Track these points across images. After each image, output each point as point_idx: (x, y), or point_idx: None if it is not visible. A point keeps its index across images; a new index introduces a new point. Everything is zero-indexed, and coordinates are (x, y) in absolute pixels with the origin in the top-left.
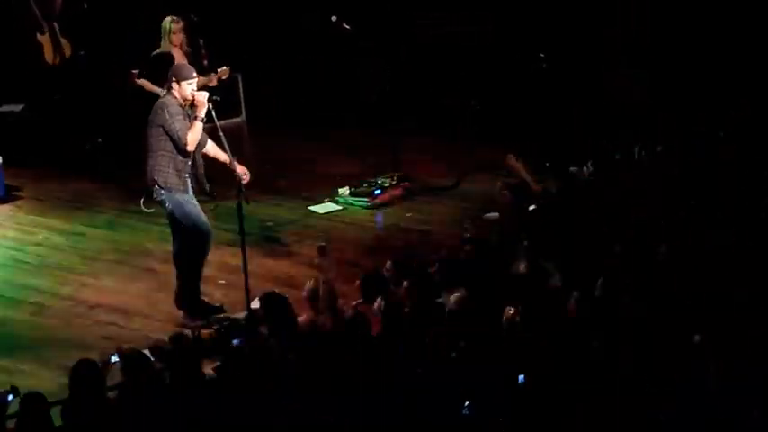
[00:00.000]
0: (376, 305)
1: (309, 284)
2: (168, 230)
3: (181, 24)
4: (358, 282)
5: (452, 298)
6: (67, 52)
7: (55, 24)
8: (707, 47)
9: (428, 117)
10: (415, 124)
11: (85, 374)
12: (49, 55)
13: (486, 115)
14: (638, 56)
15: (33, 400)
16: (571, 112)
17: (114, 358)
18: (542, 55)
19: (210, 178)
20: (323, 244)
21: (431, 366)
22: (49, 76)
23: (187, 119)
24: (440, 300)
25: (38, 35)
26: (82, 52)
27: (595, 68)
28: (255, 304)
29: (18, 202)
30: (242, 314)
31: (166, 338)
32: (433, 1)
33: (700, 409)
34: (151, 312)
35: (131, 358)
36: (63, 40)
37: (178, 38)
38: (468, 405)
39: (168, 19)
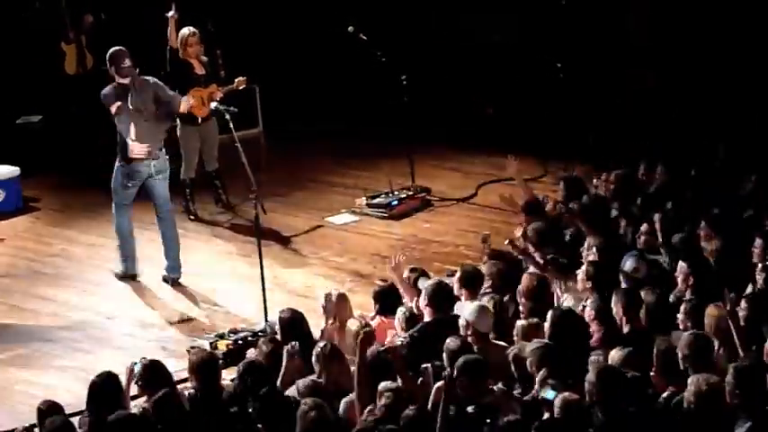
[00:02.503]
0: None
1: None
2: (186, 240)
3: (197, 36)
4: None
5: (468, 308)
6: (90, 65)
7: (82, 37)
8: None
9: (445, 127)
10: (433, 134)
11: (106, 386)
12: (71, 65)
13: (504, 124)
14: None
15: (51, 411)
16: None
17: (137, 368)
18: (559, 65)
19: (227, 189)
20: (342, 291)
21: None
22: (68, 86)
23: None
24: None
25: (63, 43)
26: (104, 67)
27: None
28: (274, 318)
29: (36, 213)
30: (260, 326)
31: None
32: (452, 10)
33: None
34: (168, 324)
35: (152, 369)
36: (88, 54)
37: (194, 50)
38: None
39: (184, 30)
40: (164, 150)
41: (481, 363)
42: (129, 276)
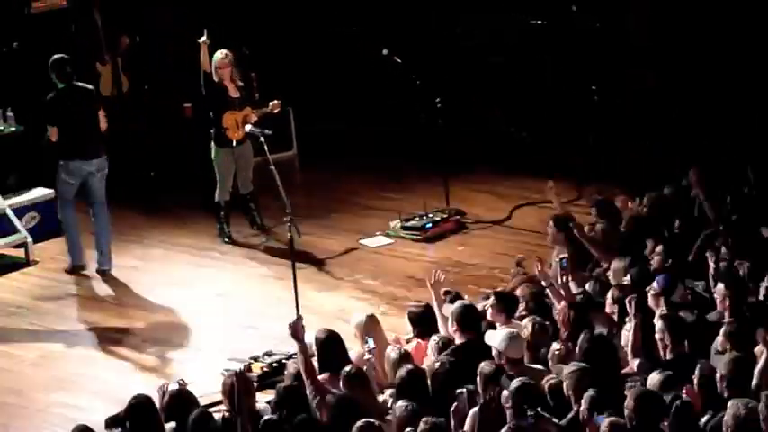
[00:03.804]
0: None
1: (360, 318)
2: (221, 262)
3: (228, 58)
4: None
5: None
6: (125, 87)
7: (118, 59)
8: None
9: (480, 150)
10: (467, 157)
11: (141, 408)
12: (106, 86)
13: (538, 147)
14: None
15: None
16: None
17: (173, 387)
18: (594, 87)
19: (262, 212)
20: (372, 313)
21: None
22: (104, 108)
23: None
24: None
25: (98, 64)
26: (146, 86)
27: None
28: (310, 338)
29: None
30: (294, 348)
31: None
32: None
33: None
34: (202, 346)
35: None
36: (123, 76)
37: (225, 72)
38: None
39: (217, 54)
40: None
41: (531, 386)
42: (78, 267)
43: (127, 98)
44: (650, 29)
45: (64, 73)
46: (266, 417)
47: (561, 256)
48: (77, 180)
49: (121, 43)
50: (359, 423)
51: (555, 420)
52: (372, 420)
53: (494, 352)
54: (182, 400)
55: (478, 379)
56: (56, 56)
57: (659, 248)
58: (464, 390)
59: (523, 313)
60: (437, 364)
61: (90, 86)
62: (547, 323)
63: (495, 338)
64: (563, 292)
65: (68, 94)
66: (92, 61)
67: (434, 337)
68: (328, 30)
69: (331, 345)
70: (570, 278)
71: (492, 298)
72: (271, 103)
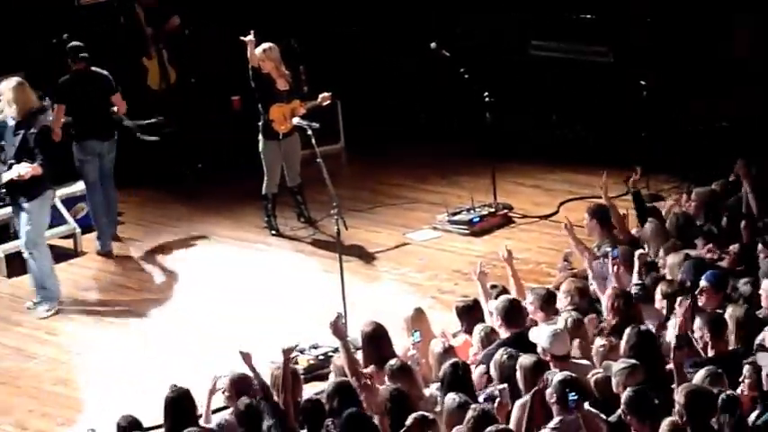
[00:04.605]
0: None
1: (408, 312)
2: (268, 255)
3: (274, 51)
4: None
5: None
6: (173, 79)
7: (164, 51)
8: None
9: (528, 144)
10: (515, 151)
11: (180, 400)
12: (153, 80)
13: (586, 141)
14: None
15: (131, 427)
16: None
17: (221, 383)
18: (643, 82)
19: (309, 205)
20: (419, 306)
21: None
22: (152, 101)
23: None
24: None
25: (144, 59)
26: (193, 80)
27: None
28: (356, 331)
29: (119, 227)
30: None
31: (270, 366)
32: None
33: None
34: (249, 338)
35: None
36: (170, 68)
37: (270, 65)
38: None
39: (263, 45)
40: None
41: (575, 380)
42: (104, 254)
43: (174, 89)
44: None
45: (79, 58)
46: (314, 408)
47: (605, 248)
48: (94, 157)
49: (171, 23)
50: (413, 416)
51: (603, 416)
52: (427, 414)
53: (539, 349)
54: (244, 385)
55: (519, 373)
56: (73, 42)
57: (710, 245)
58: (505, 386)
59: (569, 308)
60: (504, 357)
61: (105, 72)
62: (584, 318)
63: (540, 335)
64: (615, 283)
65: (82, 78)
66: (137, 56)
67: (478, 327)
68: (376, 22)
69: (377, 338)
70: (622, 269)
71: (530, 296)
72: (321, 96)
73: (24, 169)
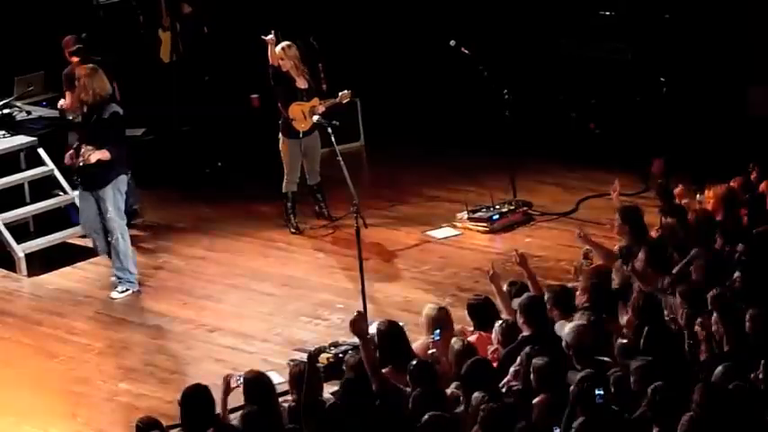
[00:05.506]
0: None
1: (428, 311)
2: (288, 253)
3: (292, 49)
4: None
5: (566, 329)
6: (182, 50)
7: (177, 24)
8: None
9: (547, 142)
10: (534, 149)
11: (196, 398)
12: (165, 52)
13: (606, 139)
14: None
15: (149, 428)
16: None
17: (237, 381)
18: (663, 79)
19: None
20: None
21: None
22: (165, 76)
23: None
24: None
25: (160, 30)
26: (207, 77)
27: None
28: (373, 329)
29: (139, 226)
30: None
31: (286, 364)
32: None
33: None
34: (269, 337)
35: (254, 381)
36: (180, 42)
37: (289, 63)
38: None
39: (282, 44)
40: None
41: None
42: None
43: (183, 63)
44: None
45: (78, 49)
46: (332, 406)
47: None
48: None
49: (182, 10)
50: (428, 414)
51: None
52: (443, 414)
53: (563, 343)
54: (257, 386)
55: (533, 375)
56: (72, 35)
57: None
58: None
59: (586, 305)
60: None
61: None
62: (603, 315)
63: (565, 330)
64: (640, 283)
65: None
66: (153, 30)
67: (498, 322)
68: (396, 20)
69: (392, 337)
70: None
71: (546, 294)
72: (340, 93)
73: (93, 154)
